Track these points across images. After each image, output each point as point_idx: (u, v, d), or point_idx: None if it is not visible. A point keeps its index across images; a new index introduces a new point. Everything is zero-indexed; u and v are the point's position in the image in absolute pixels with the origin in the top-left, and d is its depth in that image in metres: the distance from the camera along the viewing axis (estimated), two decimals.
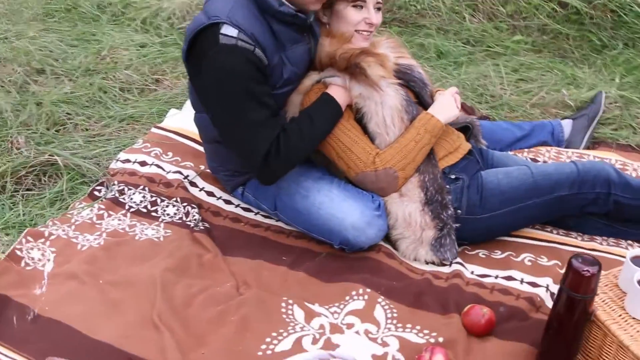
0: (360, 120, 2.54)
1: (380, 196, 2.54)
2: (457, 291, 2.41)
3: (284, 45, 2.45)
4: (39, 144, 3.01)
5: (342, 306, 2.33)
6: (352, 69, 2.48)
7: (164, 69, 3.73)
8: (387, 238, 2.59)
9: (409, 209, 2.52)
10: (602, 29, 4.01)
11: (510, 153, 3.11)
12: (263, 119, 2.38)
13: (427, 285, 2.43)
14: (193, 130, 3.03)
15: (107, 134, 3.20)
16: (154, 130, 3.20)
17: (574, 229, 2.75)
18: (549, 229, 2.75)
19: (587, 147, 3.27)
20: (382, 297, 2.36)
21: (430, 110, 2.61)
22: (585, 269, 1.99)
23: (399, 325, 2.27)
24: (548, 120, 3.32)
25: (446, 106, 2.64)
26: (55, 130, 3.19)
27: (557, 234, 2.74)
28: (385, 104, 2.51)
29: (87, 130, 3.23)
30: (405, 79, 2.67)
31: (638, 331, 2.06)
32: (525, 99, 3.58)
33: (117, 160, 2.98)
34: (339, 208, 2.48)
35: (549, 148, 3.18)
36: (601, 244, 2.69)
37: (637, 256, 2.18)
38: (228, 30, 2.30)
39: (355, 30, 2.56)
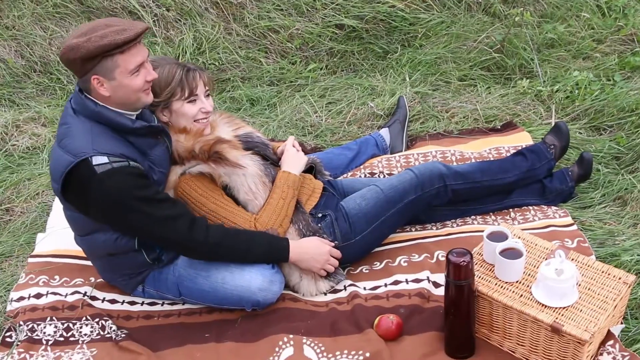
0: (229, 194, 2.86)
1: None
2: (361, 309, 2.80)
3: (145, 152, 2.70)
4: None
5: (276, 358, 2.63)
6: (214, 157, 2.79)
7: (8, 196, 3.76)
8: (287, 285, 2.93)
9: None
10: (379, 38, 4.55)
11: (350, 174, 3.57)
12: (169, 210, 2.65)
13: (335, 314, 2.80)
14: (69, 248, 3.18)
15: None
16: (30, 260, 3.26)
17: (427, 221, 3.25)
18: (408, 229, 3.22)
19: (407, 147, 3.79)
20: (305, 337, 2.69)
21: (285, 167, 2.98)
22: (461, 260, 2.45)
23: (330, 355, 2.63)
24: (369, 134, 3.79)
25: (295, 159, 3.02)
26: None
27: (416, 230, 3.22)
28: (248, 174, 2.85)
29: None
30: (250, 147, 3.00)
31: (513, 291, 2.56)
32: (340, 120, 4.04)
33: (12, 300, 3.02)
34: (241, 278, 2.77)
35: (379, 158, 3.66)
36: (452, 226, 3.21)
37: (491, 233, 2.69)
38: (98, 159, 2.54)
39: (195, 121, 2.86)
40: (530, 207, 3.25)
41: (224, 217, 2.81)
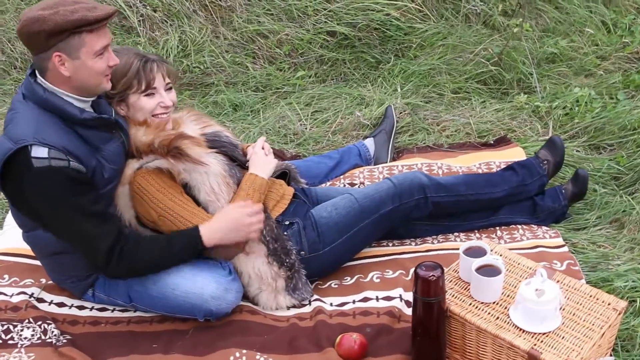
0: (188, 193, 2.64)
1: (228, 260, 2.64)
2: (324, 326, 2.56)
3: (97, 147, 2.50)
4: None
5: None
6: (173, 152, 2.58)
7: None
8: (245, 296, 2.70)
9: (257, 265, 2.64)
10: (372, 47, 4.35)
11: (329, 183, 3.34)
12: (94, 228, 2.45)
13: (296, 330, 2.56)
14: (23, 247, 2.95)
15: None
16: None
17: (406, 236, 3.01)
18: (384, 244, 2.99)
19: (393, 159, 3.56)
20: (259, 353, 2.45)
21: (252, 169, 2.75)
22: (430, 275, 2.22)
23: None
24: (352, 144, 3.57)
25: (263, 162, 2.80)
26: None
27: (393, 245, 2.98)
28: (210, 173, 2.63)
29: None
30: (216, 146, 2.79)
31: (489, 313, 2.31)
32: (325, 129, 3.82)
33: None
34: (194, 284, 2.55)
35: (361, 169, 3.43)
36: (433, 243, 2.97)
37: (468, 248, 2.45)
38: (38, 151, 2.33)
39: (153, 115, 2.66)
40: (519, 226, 3.02)
41: (182, 216, 2.58)
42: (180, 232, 2.56)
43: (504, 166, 3.23)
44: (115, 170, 2.57)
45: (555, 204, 3.05)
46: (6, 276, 2.96)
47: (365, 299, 2.70)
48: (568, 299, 2.34)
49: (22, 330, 2.67)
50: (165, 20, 4.48)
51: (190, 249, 2.56)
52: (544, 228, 3.00)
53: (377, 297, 2.70)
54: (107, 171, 2.52)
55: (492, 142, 3.63)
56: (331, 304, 2.70)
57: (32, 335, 2.65)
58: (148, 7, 4.49)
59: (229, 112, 4.07)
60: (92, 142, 2.48)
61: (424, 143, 3.67)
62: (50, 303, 2.82)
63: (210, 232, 2.55)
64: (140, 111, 2.64)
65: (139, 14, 4.50)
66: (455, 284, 2.44)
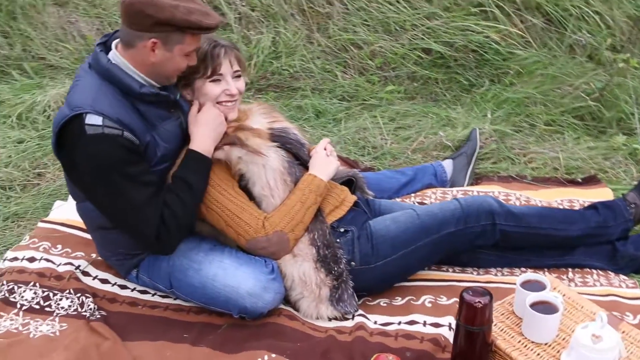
0: (244, 186, 2.55)
1: (273, 260, 2.53)
2: (362, 343, 2.41)
3: (153, 124, 2.46)
4: None
5: None
6: (232, 139, 2.52)
7: (45, 162, 3.67)
8: (287, 300, 2.58)
9: (303, 268, 2.52)
10: (468, 69, 4.16)
11: (398, 199, 3.18)
12: (145, 198, 2.40)
13: (332, 342, 2.42)
14: (81, 220, 2.98)
15: None
16: (40, 224, 3.12)
17: (469, 264, 2.81)
18: (444, 269, 2.81)
19: (471, 184, 3.36)
20: None
21: (311, 170, 2.64)
22: (477, 301, 2.04)
23: None
24: (429, 163, 3.40)
25: (324, 164, 2.68)
26: None
27: (453, 271, 2.79)
28: (268, 167, 2.54)
29: None
30: (281, 142, 2.69)
31: (538, 354, 2.11)
32: (406, 146, 3.67)
33: (5, 259, 2.87)
34: (233, 277, 2.46)
35: (434, 190, 3.25)
36: (496, 275, 2.76)
37: (526, 281, 2.25)
38: (92, 119, 2.31)
39: (218, 102, 2.58)
40: (594, 271, 2.77)
41: (229, 209, 2.50)
42: (184, 167, 2.49)
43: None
44: (170, 150, 2.52)
45: (639, 252, 2.79)
46: (59, 246, 2.99)
47: (412, 322, 2.52)
48: (631, 353, 2.12)
49: (60, 300, 2.68)
50: (262, 20, 4.45)
51: (201, 171, 2.50)
52: (622, 276, 2.74)
53: (424, 322, 2.52)
54: (161, 149, 2.48)
55: (579, 180, 3.38)
56: (375, 322, 2.54)
57: (69, 306, 2.65)
58: (246, 6, 4.48)
59: (311, 118, 3.98)
60: (148, 118, 2.45)
61: (507, 172, 3.45)
62: (94, 278, 2.82)
63: (201, 145, 2.50)
64: (204, 97, 2.58)
65: (236, 11, 4.49)
66: (507, 318, 2.24)
